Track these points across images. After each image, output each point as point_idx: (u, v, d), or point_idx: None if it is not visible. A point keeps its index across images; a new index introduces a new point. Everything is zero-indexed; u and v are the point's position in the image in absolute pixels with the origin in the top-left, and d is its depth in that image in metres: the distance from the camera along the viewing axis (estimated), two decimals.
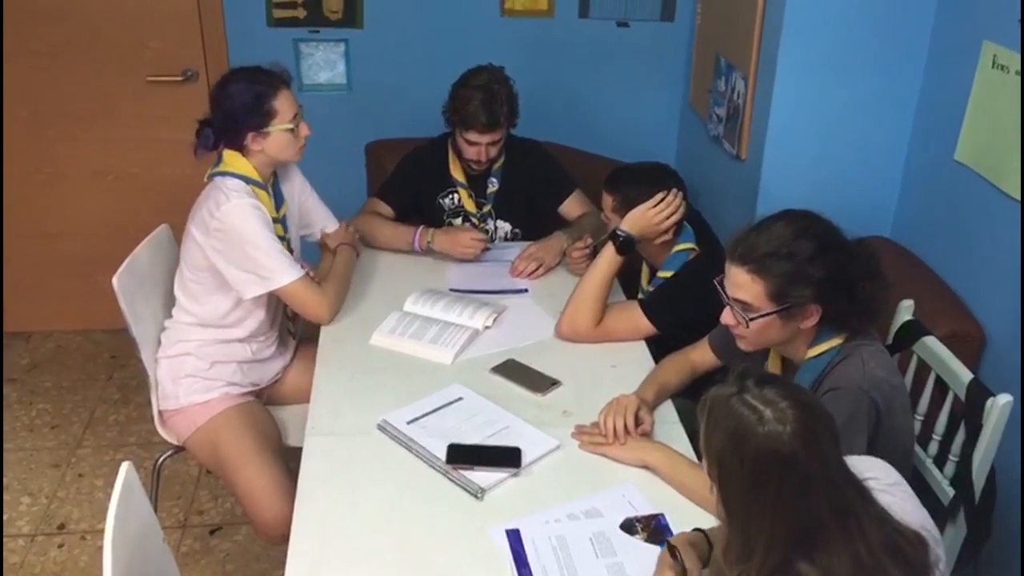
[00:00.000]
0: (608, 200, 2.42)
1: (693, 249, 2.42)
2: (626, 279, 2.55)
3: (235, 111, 2.26)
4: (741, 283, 1.77)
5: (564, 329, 2.38)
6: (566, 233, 2.80)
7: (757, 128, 2.87)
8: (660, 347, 2.33)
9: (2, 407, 3.38)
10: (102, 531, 1.49)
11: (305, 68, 3.54)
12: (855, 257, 1.78)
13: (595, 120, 3.70)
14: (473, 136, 2.71)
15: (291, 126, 2.31)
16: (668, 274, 2.41)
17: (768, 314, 1.76)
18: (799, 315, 1.76)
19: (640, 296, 2.49)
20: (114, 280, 2.27)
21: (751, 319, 1.78)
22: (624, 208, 2.36)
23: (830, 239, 1.77)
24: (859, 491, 1.26)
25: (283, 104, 2.30)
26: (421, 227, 2.78)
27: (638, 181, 2.38)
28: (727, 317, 1.83)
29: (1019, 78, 2.23)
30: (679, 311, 2.33)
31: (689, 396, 2.26)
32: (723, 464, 1.25)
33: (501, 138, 2.76)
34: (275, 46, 3.47)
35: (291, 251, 2.41)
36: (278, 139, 2.31)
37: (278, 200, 2.43)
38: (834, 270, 1.73)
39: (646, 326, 2.35)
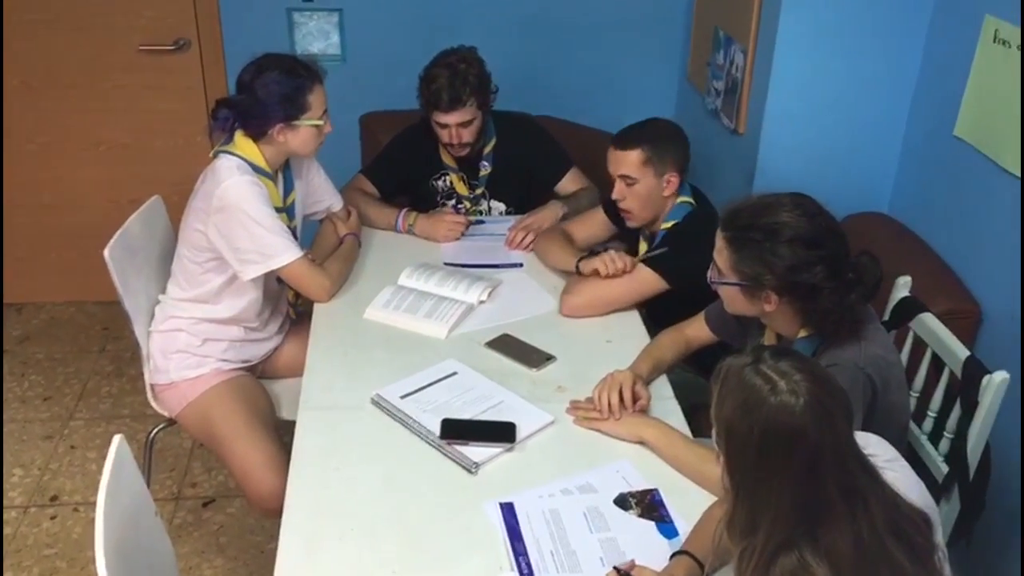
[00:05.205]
0: (634, 155, 2.33)
1: (691, 203, 2.40)
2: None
3: (269, 100, 2.21)
4: (718, 247, 1.80)
5: (566, 309, 2.37)
6: (561, 202, 2.79)
7: (755, 102, 2.85)
8: (655, 323, 2.32)
9: (2, 380, 3.37)
10: (95, 503, 1.48)
11: (298, 38, 3.49)
12: (837, 266, 1.70)
13: (592, 93, 3.66)
14: (439, 117, 2.67)
15: (320, 122, 2.29)
16: (670, 224, 2.39)
17: (729, 283, 1.79)
18: (760, 296, 1.76)
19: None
20: (105, 252, 2.25)
21: (715, 283, 1.83)
22: (657, 160, 2.33)
23: (816, 236, 1.70)
24: (868, 471, 1.24)
25: (316, 99, 2.27)
26: (404, 209, 2.77)
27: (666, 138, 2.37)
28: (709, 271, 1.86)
29: (1020, 53, 2.21)
30: (684, 261, 2.24)
31: (685, 370, 2.25)
32: (731, 433, 1.23)
33: (472, 119, 2.69)
34: (268, 15, 3.43)
35: (295, 238, 2.37)
36: (303, 134, 2.28)
37: (287, 188, 2.40)
38: (801, 268, 1.69)
39: (651, 278, 2.31)
